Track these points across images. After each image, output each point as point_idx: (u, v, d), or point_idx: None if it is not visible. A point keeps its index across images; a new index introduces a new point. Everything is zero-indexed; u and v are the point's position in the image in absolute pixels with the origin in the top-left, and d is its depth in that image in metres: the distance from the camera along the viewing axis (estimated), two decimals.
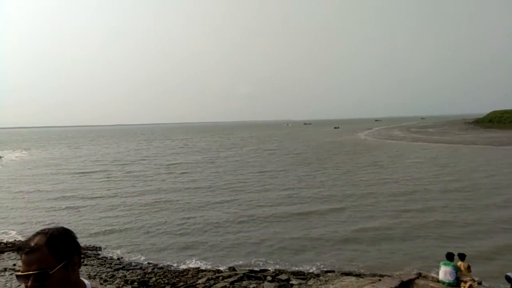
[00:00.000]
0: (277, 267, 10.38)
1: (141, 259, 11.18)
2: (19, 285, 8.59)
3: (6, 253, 11.30)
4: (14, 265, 10.10)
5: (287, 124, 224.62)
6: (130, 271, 9.94)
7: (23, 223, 15.89)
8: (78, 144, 78.19)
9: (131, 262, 10.72)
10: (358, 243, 12.08)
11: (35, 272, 1.41)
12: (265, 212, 15.82)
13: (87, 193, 21.82)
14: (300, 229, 13.52)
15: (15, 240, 13.21)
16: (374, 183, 21.91)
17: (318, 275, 9.39)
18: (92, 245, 12.46)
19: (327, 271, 9.85)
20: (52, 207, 18.51)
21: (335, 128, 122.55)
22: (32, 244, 1.45)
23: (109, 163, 38.26)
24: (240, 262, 10.78)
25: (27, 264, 1.43)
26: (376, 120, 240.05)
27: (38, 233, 1.49)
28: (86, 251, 11.57)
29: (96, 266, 10.20)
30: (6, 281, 8.89)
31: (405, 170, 26.32)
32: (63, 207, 18.62)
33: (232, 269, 10.19)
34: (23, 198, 21.53)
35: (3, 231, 14.78)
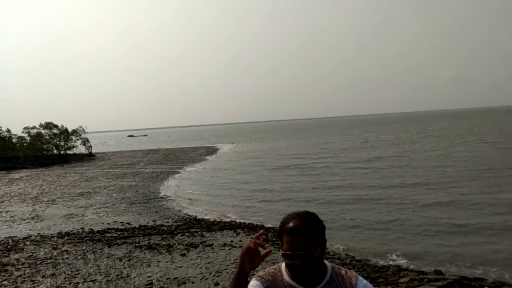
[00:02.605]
0: (498, 277, 8.82)
1: (340, 249, 11.25)
2: (236, 258, 9.89)
3: (225, 231, 13.22)
4: (232, 241, 11.69)
5: (507, 111, 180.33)
6: (328, 259, 10.15)
7: (237, 206, 18.46)
8: (275, 138, 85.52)
9: (329, 252, 10.85)
10: None
11: (303, 252, 1.64)
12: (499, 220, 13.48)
13: (286, 185, 23.50)
14: None
15: (231, 221, 15.32)
16: None
17: None
18: None
19: None
20: (264, 197, 20.65)
21: None
22: (295, 227, 1.67)
23: (306, 155, 40.35)
24: (448, 266, 9.65)
25: (293, 245, 1.66)
26: None
27: (295, 217, 1.71)
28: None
29: None
30: (226, 254, 10.36)
31: None
32: (260, 199, 20.46)
33: (439, 272, 9.21)
34: (232, 187, 24.85)
35: (222, 213, 17.34)
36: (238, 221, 15.19)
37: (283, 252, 1.71)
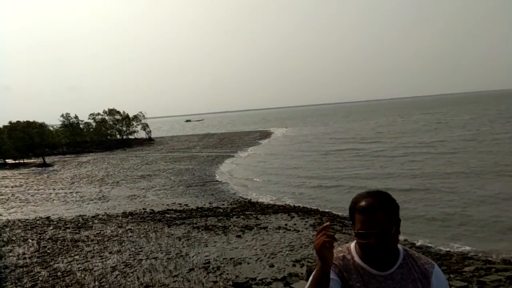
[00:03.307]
0: None
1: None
2: (290, 241, 9.92)
3: (279, 214, 13.29)
4: (286, 225, 11.73)
5: None
6: None
7: (290, 190, 18.48)
8: (326, 122, 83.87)
9: None
10: None
11: (378, 231, 1.58)
12: None
13: (340, 171, 23.05)
14: None
15: (285, 204, 15.37)
16: None
17: None
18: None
19: None
20: (318, 184, 20.43)
21: None
22: (369, 205, 1.62)
23: (360, 139, 39.24)
24: None
25: (368, 224, 1.60)
26: None
27: (368, 195, 1.67)
28: (343, 221, 12.26)
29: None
30: (280, 237, 10.43)
31: None
32: (314, 184, 20.20)
33: (508, 262, 8.61)
34: (285, 171, 24.83)
35: (276, 196, 17.43)
36: (292, 204, 15.20)
37: (356, 231, 1.64)
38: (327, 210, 13.89)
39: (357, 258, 1.71)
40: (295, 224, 11.73)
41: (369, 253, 1.62)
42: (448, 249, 9.62)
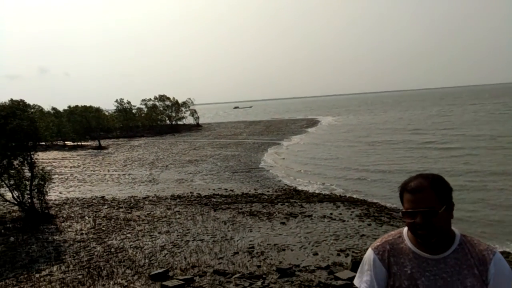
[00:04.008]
0: None
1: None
2: (335, 231, 9.81)
3: (324, 203, 13.16)
4: (331, 214, 11.60)
5: None
6: None
7: (336, 179, 18.22)
8: (374, 111, 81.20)
9: None
10: None
11: (424, 209, 1.55)
12: None
13: (389, 162, 22.37)
14: None
15: (330, 193, 15.19)
16: None
17: None
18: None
19: None
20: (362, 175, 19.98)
21: None
22: (418, 185, 1.58)
23: (410, 130, 37.72)
24: None
25: (415, 203, 1.57)
26: None
27: (418, 176, 1.63)
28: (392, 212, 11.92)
29: None
30: (325, 226, 10.34)
31: None
32: (360, 174, 19.70)
33: None
34: (331, 160, 24.45)
35: (321, 185, 17.27)
36: (338, 194, 14.99)
37: (403, 210, 1.62)
38: (374, 201, 13.56)
39: (408, 242, 1.66)
40: (340, 214, 11.57)
41: (416, 234, 1.59)
42: (508, 250, 9.06)
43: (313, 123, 59.43)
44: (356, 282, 1.76)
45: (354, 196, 14.58)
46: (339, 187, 16.66)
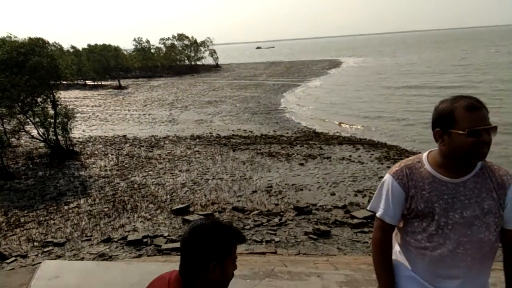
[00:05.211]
0: None
1: None
2: (354, 172, 9.84)
3: (344, 145, 13.11)
4: (350, 156, 11.58)
5: None
6: None
7: (357, 122, 18.01)
8: (406, 51, 77.91)
9: None
10: None
11: (493, 126, 1.52)
12: None
13: (411, 107, 21.82)
14: None
15: (350, 136, 15.08)
16: None
17: None
18: None
19: None
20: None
21: None
22: (477, 102, 1.53)
23: (438, 72, 36.29)
24: None
25: (482, 120, 1.52)
26: None
27: (464, 96, 1.57)
28: None
29: None
30: (344, 167, 10.35)
31: None
32: (381, 117, 19.34)
33: None
34: (353, 103, 24.02)
35: (341, 128, 17.11)
36: (358, 137, 14.87)
37: (466, 129, 1.50)
38: (395, 144, 13.41)
39: (427, 166, 1.64)
40: (359, 156, 11.54)
41: (474, 153, 1.53)
42: None
43: (335, 64, 57.75)
44: (371, 207, 1.76)
45: (374, 139, 14.44)
46: (359, 130, 16.49)
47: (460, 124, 1.52)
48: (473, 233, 1.55)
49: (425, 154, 1.69)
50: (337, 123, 17.98)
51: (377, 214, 1.71)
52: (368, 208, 1.82)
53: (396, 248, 1.78)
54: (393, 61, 56.15)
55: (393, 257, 1.75)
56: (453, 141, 1.55)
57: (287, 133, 15.72)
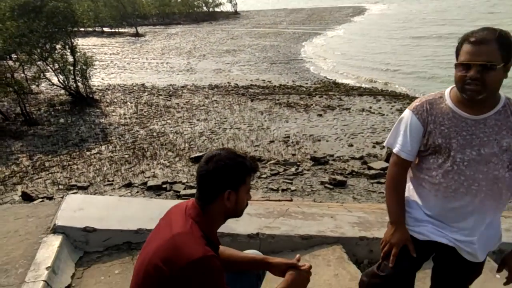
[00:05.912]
0: None
1: None
2: (373, 124, 9.71)
3: (364, 96, 12.84)
4: (370, 107, 11.37)
5: None
6: None
7: (380, 73, 17.47)
8: None
9: None
10: None
11: (482, 62, 1.42)
12: None
13: (436, 60, 20.94)
14: None
15: (371, 87, 14.71)
16: None
17: None
18: None
19: None
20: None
21: None
22: (482, 36, 1.44)
23: (469, 21, 34.33)
24: None
25: (474, 55, 1.44)
26: None
27: (485, 29, 1.48)
28: None
29: None
30: (363, 119, 10.20)
31: None
32: (404, 70, 18.69)
33: None
34: (376, 54, 23.14)
35: (363, 79, 16.68)
36: (379, 88, 14.50)
37: (457, 62, 1.50)
38: (417, 96, 13.06)
39: (449, 102, 1.60)
40: (380, 108, 11.32)
41: (463, 88, 1.49)
42: None
43: (359, 11, 55.28)
44: (388, 143, 1.75)
45: (397, 90, 14.07)
46: (382, 81, 16.04)
47: (459, 57, 1.51)
48: (489, 170, 1.53)
49: (448, 90, 1.64)
50: (356, 76, 17.48)
51: (394, 150, 1.69)
52: (384, 144, 1.81)
53: (409, 185, 1.77)
54: (423, 8, 53.22)
55: (406, 194, 1.74)
56: (455, 74, 1.53)
57: (307, 83, 15.45)
